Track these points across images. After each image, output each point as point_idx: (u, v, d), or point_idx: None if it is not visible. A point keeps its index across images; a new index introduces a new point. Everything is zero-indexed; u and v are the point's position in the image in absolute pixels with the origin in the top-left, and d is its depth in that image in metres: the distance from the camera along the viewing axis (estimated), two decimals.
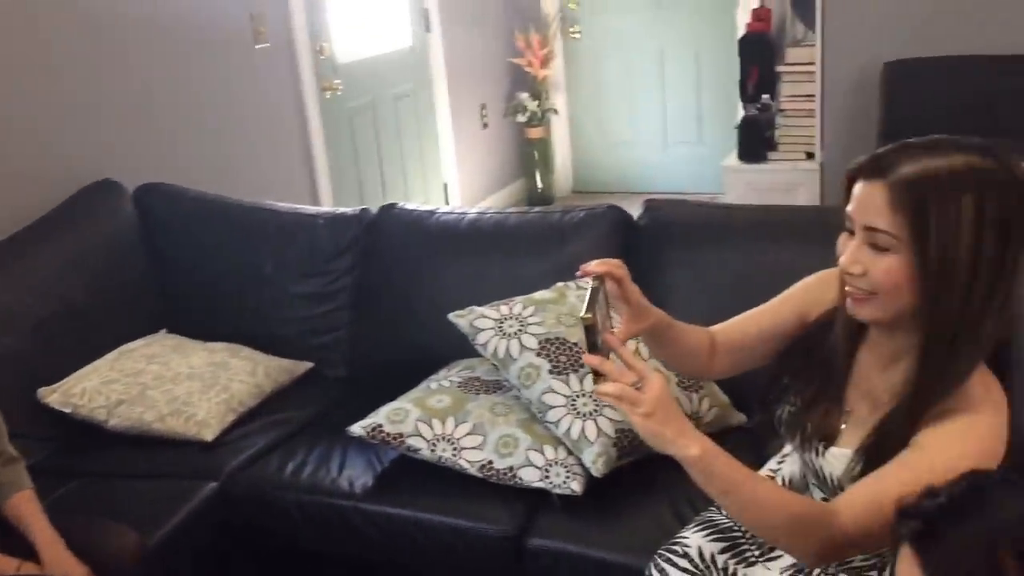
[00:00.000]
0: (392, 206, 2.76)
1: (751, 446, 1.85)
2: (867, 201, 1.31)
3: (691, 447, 1.25)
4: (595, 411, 2.02)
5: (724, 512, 1.64)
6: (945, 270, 1.26)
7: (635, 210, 2.56)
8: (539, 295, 2.26)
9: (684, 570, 1.57)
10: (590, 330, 1.25)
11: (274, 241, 2.74)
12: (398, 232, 2.67)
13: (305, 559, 2.26)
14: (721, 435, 2.13)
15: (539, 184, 5.57)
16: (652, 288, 2.31)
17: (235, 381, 2.43)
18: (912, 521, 0.99)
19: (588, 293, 1.29)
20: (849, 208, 1.34)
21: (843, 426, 1.47)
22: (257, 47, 3.57)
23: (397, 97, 4.50)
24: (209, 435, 2.30)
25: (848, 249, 1.34)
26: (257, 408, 2.45)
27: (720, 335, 1.57)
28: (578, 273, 1.39)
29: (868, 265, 1.31)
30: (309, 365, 2.65)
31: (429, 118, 4.79)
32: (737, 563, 1.58)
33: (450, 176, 4.95)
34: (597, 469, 1.97)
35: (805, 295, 1.56)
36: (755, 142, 4.18)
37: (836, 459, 1.44)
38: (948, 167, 1.27)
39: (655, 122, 5.46)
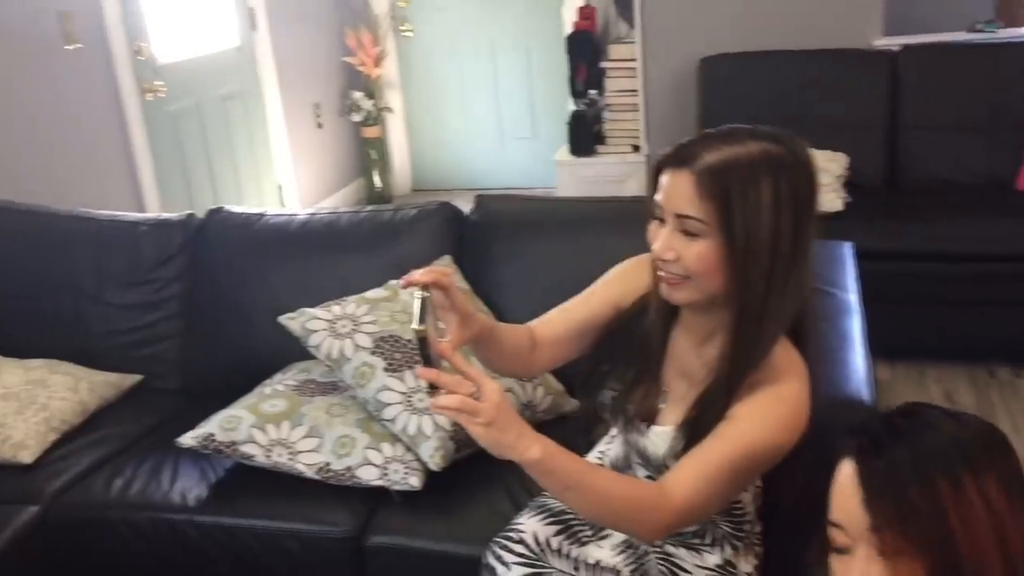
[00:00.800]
0: (219, 210, 2.69)
1: (585, 431, 1.91)
2: (675, 190, 1.37)
3: (532, 450, 1.26)
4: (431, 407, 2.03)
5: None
6: (751, 250, 1.35)
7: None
8: (372, 294, 2.25)
9: (520, 555, 1.60)
10: (424, 342, 1.23)
11: (93, 250, 2.62)
12: (226, 237, 2.60)
13: None
14: (556, 422, 2.20)
15: (377, 184, 5.54)
16: (484, 283, 2.38)
17: (55, 399, 2.31)
18: (857, 437, 1.00)
19: (418, 304, 1.27)
20: (658, 197, 1.41)
21: (663, 405, 1.54)
22: (68, 48, 3.40)
23: (225, 98, 4.38)
24: (28, 457, 2.18)
25: (660, 236, 1.40)
26: (82, 426, 2.34)
27: (539, 330, 1.61)
28: (403, 284, 1.36)
29: (680, 251, 1.38)
30: (138, 378, 2.55)
31: (260, 119, 4.68)
32: (571, 544, 1.63)
33: (285, 178, 4.86)
34: (435, 463, 1.98)
35: (618, 283, 1.62)
36: (584, 136, 4.30)
37: (659, 437, 1.51)
38: (746, 154, 1.36)
39: (490, 118, 5.52)
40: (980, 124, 3.53)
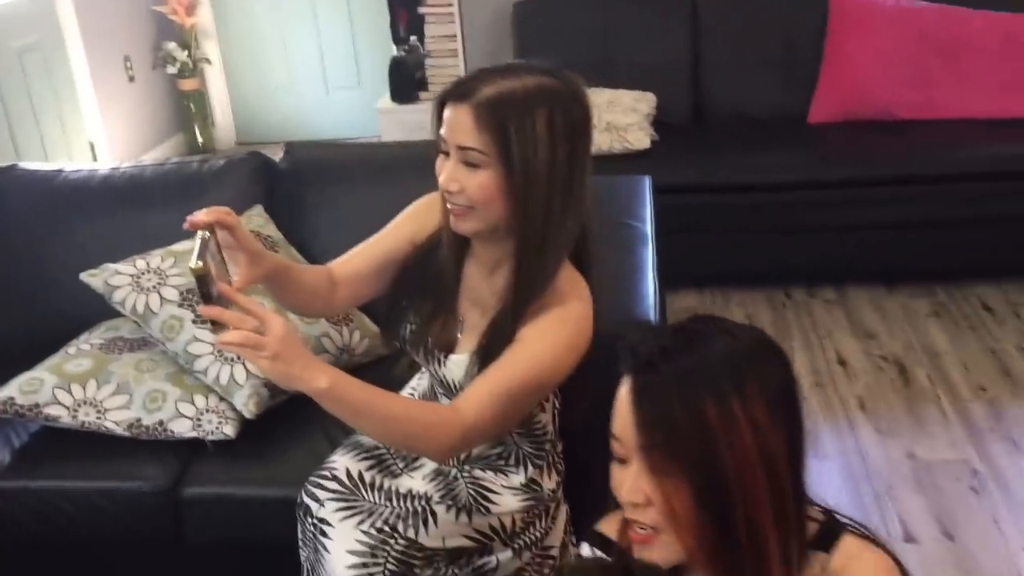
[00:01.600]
0: (12, 167, 2.57)
1: (391, 365, 1.96)
2: (456, 123, 1.42)
3: (319, 379, 1.30)
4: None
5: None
6: (529, 179, 1.41)
7: None
8: (178, 246, 2.22)
9: (333, 491, 1.65)
10: (202, 280, 1.25)
11: None
12: (21, 195, 2.49)
13: None
14: (375, 364, 2.24)
15: (199, 138, 5.36)
16: (298, 231, 2.38)
17: None
18: (633, 355, 1.04)
19: (198, 243, 1.29)
20: (442, 131, 1.45)
21: (459, 335, 1.61)
22: None
23: (22, 51, 4.12)
24: None
25: (445, 169, 1.45)
26: None
27: (338, 269, 1.64)
28: (185, 225, 1.37)
29: (464, 182, 1.43)
30: None
31: (64, 73, 4.43)
32: (384, 476, 1.69)
33: (97, 135, 4.63)
34: (249, 411, 1.99)
35: (413, 219, 1.67)
36: (405, 83, 4.29)
37: (456, 365, 1.58)
38: (522, 87, 1.42)
39: (314, 67, 5.42)
40: (776, 60, 3.74)
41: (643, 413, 1.01)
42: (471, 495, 1.65)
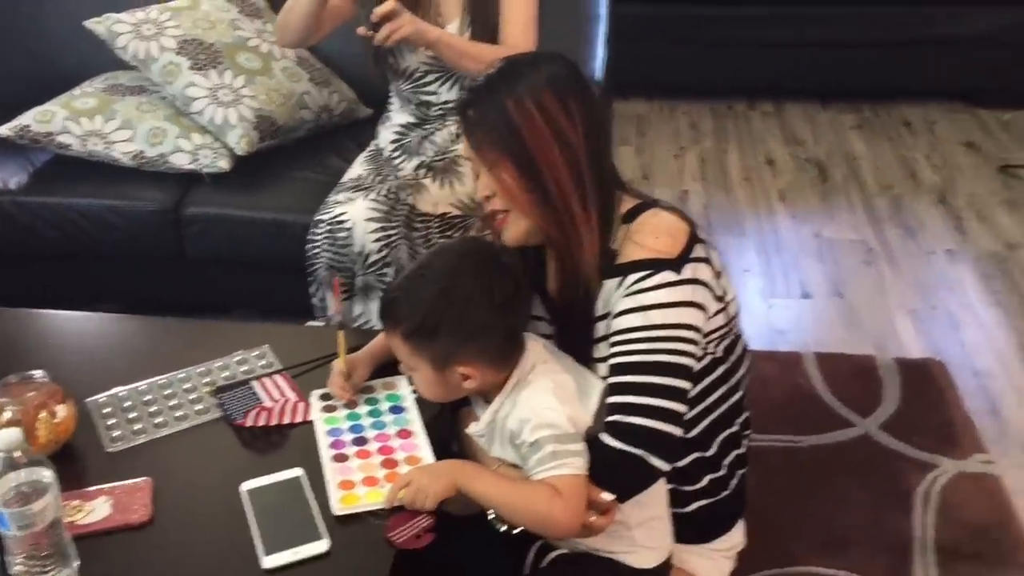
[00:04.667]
0: None
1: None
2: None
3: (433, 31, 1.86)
4: (235, 100, 2.29)
5: None
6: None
7: None
8: (174, 3, 2.43)
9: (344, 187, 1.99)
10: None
11: None
12: None
13: None
14: (350, 126, 2.50)
15: None
16: None
17: None
18: (463, 95, 1.37)
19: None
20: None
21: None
22: None
23: None
24: None
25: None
26: None
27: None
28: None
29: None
30: None
31: None
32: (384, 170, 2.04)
33: None
34: (241, 148, 2.27)
35: None
36: None
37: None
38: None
39: None
40: None
41: (466, 121, 1.34)
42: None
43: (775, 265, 2.75)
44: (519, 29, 1.90)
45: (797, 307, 2.57)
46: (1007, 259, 2.72)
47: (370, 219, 1.90)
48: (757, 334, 2.43)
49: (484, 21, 1.92)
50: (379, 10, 1.80)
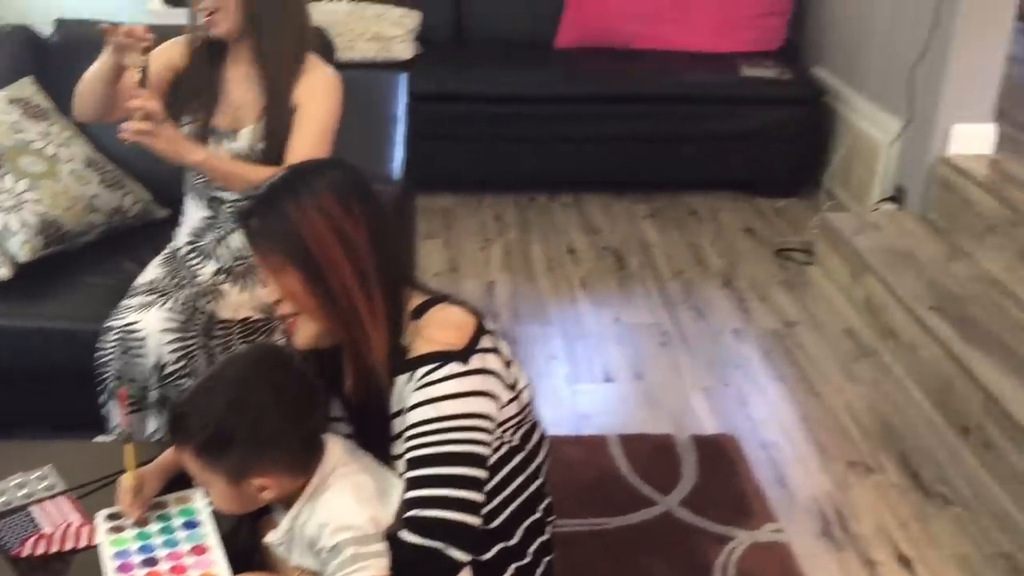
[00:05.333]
0: None
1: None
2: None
3: (198, 153, 1.82)
4: (17, 205, 2.18)
5: None
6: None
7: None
8: None
9: (135, 301, 1.91)
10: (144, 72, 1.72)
11: None
12: None
13: None
14: (145, 227, 2.44)
15: None
16: (67, 103, 2.51)
17: None
18: (245, 204, 1.38)
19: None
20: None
21: (237, 119, 1.98)
22: None
23: None
24: None
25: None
26: None
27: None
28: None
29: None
30: None
31: None
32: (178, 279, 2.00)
33: None
34: (24, 255, 2.16)
35: (163, 51, 1.97)
36: None
37: (244, 138, 1.96)
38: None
39: None
40: None
41: (249, 229, 1.36)
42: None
43: (579, 351, 2.85)
44: (308, 145, 1.89)
45: (600, 391, 2.67)
46: (786, 336, 2.95)
47: (166, 330, 1.84)
48: (563, 419, 2.51)
49: (279, 130, 1.92)
50: (134, 103, 1.71)
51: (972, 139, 3.16)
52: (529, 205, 3.84)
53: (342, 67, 2.77)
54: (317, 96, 1.94)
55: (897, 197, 3.38)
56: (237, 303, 1.94)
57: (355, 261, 1.33)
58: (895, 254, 3.00)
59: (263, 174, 1.74)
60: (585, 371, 2.76)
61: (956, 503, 2.24)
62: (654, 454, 2.36)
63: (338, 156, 1.71)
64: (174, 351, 1.85)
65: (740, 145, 3.83)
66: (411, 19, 3.91)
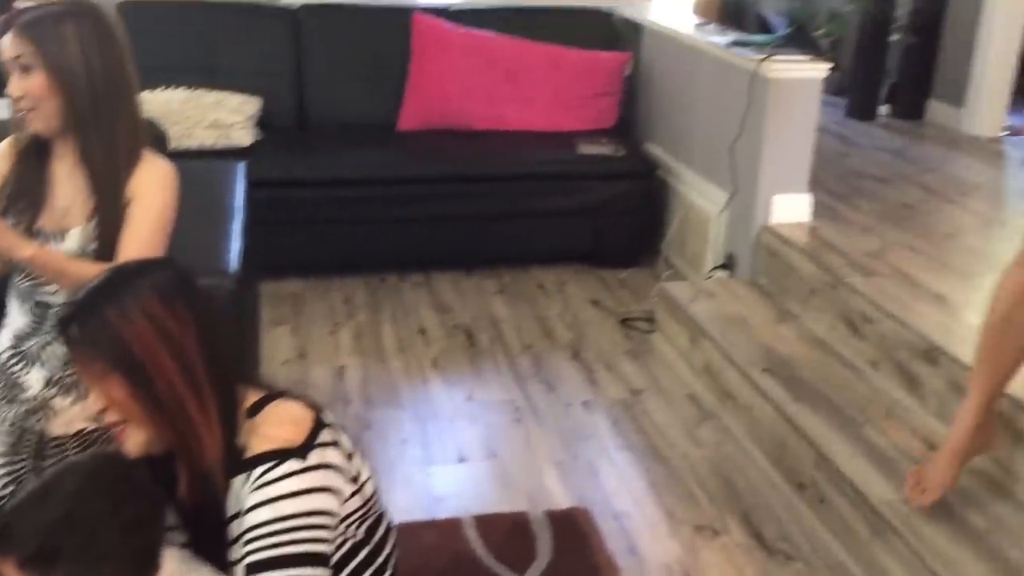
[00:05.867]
0: None
1: None
2: (3, 45, 1.72)
3: (26, 249, 1.69)
4: None
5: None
6: (70, 81, 1.71)
7: None
8: None
9: None
10: None
11: None
12: None
13: None
14: None
15: None
16: None
17: None
18: (63, 309, 1.33)
19: None
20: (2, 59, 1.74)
21: (66, 218, 1.88)
22: None
23: None
24: None
25: (11, 84, 1.73)
26: None
27: None
28: None
29: (23, 88, 1.71)
30: None
31: None
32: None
33: None
34: None
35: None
36: None
37: (72, 239, 1.85)
38: (54, 8, 1.74)
39: None
40: (370, 74, 4.21)
41: (68, 337, 1.32)
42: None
43: (431, 432, 2.85)
44: (140, 242, 1.81)
45: (454, 472, 2.67)
46: (633, 404, 3.03)
47: None
48: (417, 504, 2.49)
49: (112, 231, 1.83)
50: None
51: (791, 208, 3.39)
52: (379, 286, 3.84)
53: (179, 156, 2.77)
54: (150, 191, 1.89)
55: (729, 264, 3.57)
56: (70, 417, 1.84)
57: (183, 364, 1.31)
58: (728, 319, 3.16)
59: (96, 271, 1.70)
60: (438, 453, 2.75)
61: (797, 559, 2.34)
62: (509, 533, 2.37)
63: (168, 253, 1.67)
64: (1, 477, 1.74)
65: (582, 219, 3.96)
66: (251, 105, 3.90)
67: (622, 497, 2.57)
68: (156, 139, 2.30)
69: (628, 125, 4.38)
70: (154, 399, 1.29)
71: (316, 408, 1.43)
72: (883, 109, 5.27)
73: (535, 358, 3.31)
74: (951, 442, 2.14)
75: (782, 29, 5.89)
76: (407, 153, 3.95)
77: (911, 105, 5.20)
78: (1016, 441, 2.23)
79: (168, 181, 1.93)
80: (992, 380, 2.09)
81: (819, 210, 3.47)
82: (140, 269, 1.39)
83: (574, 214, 3.95)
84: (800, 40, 5.73)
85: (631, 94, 4.38)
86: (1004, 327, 2.04)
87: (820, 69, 3.30)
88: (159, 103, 3.69)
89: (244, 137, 3.74)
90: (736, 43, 3.56)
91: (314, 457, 1.35)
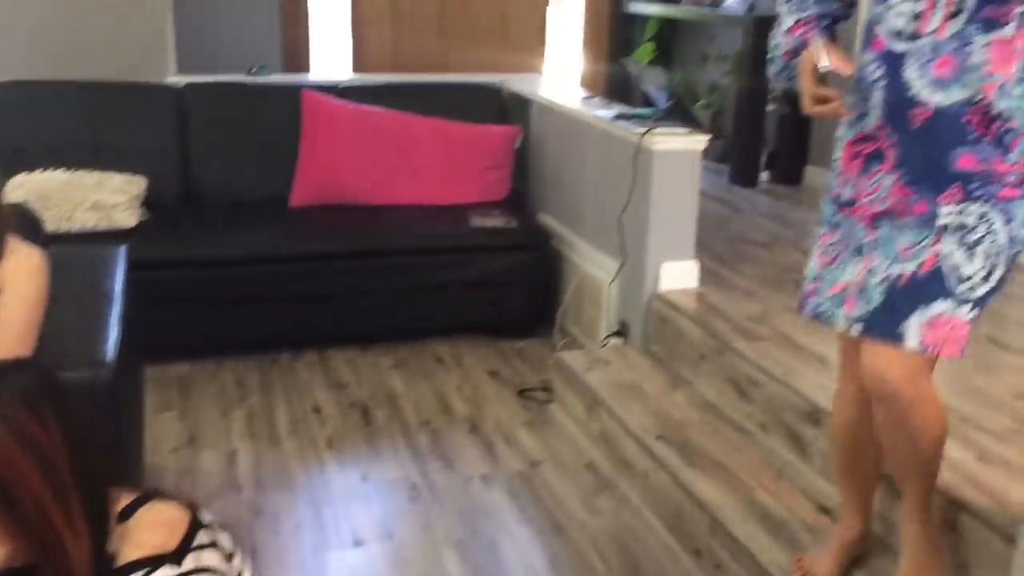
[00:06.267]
0: None
1: None
2: None
3: None
4: None
5: None
6: None
7: None
8: None
9: None
10: None
11: None
12: None
13: None
14: None
15: None
16: None
17: None
18: None
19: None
20: None
21: None
22: None
23: None
24: None
25: None
26: None
27: None
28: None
29: None
30: None
31: None
32: None
33: None
34: None
35: None
36: None
37: None
38: None
39: None
40: (259, 150, 4.18)
41: None
42: None
43: (326, 516, 2.78)
44: (7, 340, 1.75)
45: (350, 557, 2.60)
46: (532, 476, 3.02)
47: None
48: None
49: None
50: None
51: (679, 275, 3.47)
52: (272, 366, 3.77)
53: (57, 240, 2.69)
54: (18, 283, 1.83)
55: (622, 332, 3.62)
56: None
57: (48, 472, 1.24)
58: (623, 387, 3.19)
59: None
60: (333, 537, 2.68)
61: None
62: None
63: (40, 345, 1.60)
64: None
65: (477, 291, 3.97)
66: (135, 185, 3.82)
67: (521, 574, 2.54)
68: (29, 224, 2.24)
69: (520, 197, 4.44)
70: (15, 511, 1.22)
71: (192, 507, 1.38)
72: (764, 175, 5.48)
73: (433, 434, 3.28)
74: (835, 539, 2.21)
75: (663, 103, 6.13)
76: (298, 230, 3.92)
77: (789, 171, 5.42)
78: (894, 495, 2.30)
79: (37, 272, 1.87)
80: (859, 493, 2.19)
81: (705, 276, 3.56)
82: (1, 373, 1.32)
83: (469, 286, 3.96)
84: (680, 113, 5.99)
85: (522, 166, 4.46)
86: (850, 458, 2.16)
87: (699, 141, 3.42)
88: (36, 185, 3.59)
89: (128, 218, 3.65)
90: (621, 116, 3.67)
91: (189, 562, 1.30)
